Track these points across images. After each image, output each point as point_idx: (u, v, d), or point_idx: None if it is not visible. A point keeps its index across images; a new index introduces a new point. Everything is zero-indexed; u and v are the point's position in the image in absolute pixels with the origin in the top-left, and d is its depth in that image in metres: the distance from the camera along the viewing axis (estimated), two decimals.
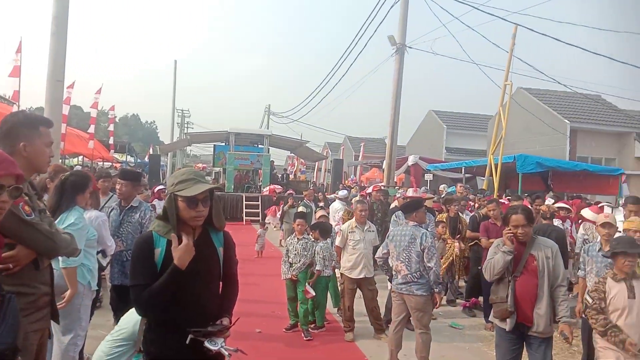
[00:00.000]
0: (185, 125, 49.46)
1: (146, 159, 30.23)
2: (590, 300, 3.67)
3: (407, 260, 4.92)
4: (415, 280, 4.86)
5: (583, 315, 4.94)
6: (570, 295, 7.16)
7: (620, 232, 5.62)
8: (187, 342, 2.20)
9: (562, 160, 16.83)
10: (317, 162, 34.49)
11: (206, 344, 2.22)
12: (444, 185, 16.35)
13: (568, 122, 21.43)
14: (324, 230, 6.49)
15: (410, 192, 8.10)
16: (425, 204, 8.61)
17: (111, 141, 23.58)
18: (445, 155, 29.48)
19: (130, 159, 31.16)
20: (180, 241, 2.25)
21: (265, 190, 20.15)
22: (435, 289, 4.86)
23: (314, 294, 6.10)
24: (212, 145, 26.54)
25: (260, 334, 5.99)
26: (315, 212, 8.69)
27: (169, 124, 43.18)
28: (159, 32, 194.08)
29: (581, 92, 20.75)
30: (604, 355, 3.61)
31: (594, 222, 5.90)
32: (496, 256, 3.81)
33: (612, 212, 7.13)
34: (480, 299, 7.31)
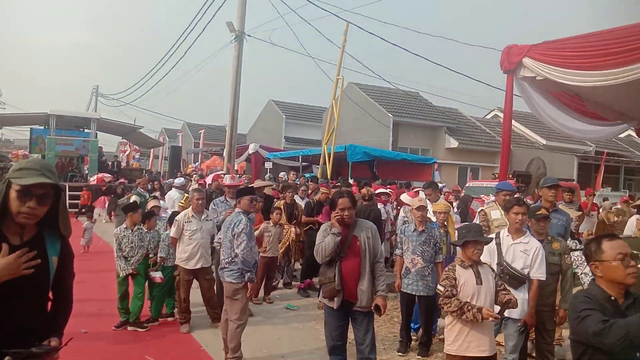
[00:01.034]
0: None
1: None
2: (442, 289, 3.63)
3: (225, 245, 5.01)
4: (226, 265, 4.91)
5: (402, 290, 5.54)
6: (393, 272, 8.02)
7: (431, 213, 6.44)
8: None
9: (385, 150, 18.52)
10: (152, 149, 32.73)
11: None
12: (283, 172, 16.83)
13: (391, 115, 23.58)
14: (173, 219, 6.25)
15: (227, 180, 7.76)
16: (264, 191, 8.87)
17: None
18: (285, 144, 30.26)
19: None
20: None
21: (93, 179, 18.50)
22: (244, 276, 4.85)
23: (162, 276, 5.97)
24: (29, 129, 23.46)
25: (86, 334, 5.54)
26: (147, 202, 8.27)
27: None
28: None
29: (402, 89, 23.03)
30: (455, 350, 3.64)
31: (410, 205, 6.59)
32: (326, 239, 4.00)
33: (425, 196, 8.11)
34: (315, 280, 7.74)
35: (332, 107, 15.47)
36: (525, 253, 4.28)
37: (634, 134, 11.71)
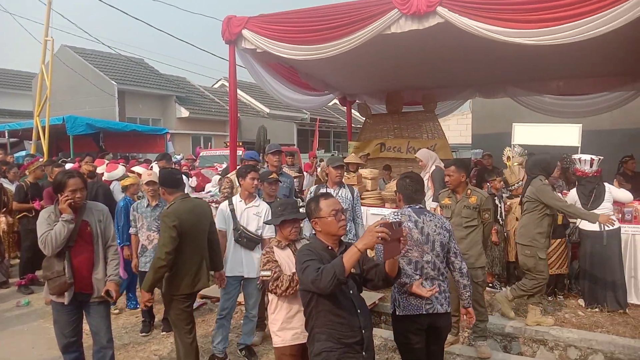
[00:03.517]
0: None
1: None
2: (269, 273, 3.18)
3: None
4: None
5: (139, 269, 5.34)
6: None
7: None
8: None
9: (112, 121, 17.21)
10: None
11: None
12: None
13: (115, 83, 21.84)
14: None
15: None
16: None
17: None
18: None
19: None
20: None
21: None
22: None
23: None
24: None
25: None
26: None
27: None
28: None
29: (125, 55, 21.52)
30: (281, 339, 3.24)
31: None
32: (56, 227, 3.53)
33: (158, 170, 7.91)
34: (38, 273, 6.83)
35: (42, 73, 13.43)
36: (257, 215, 4.65)
37: (338, 102, 13.63)
